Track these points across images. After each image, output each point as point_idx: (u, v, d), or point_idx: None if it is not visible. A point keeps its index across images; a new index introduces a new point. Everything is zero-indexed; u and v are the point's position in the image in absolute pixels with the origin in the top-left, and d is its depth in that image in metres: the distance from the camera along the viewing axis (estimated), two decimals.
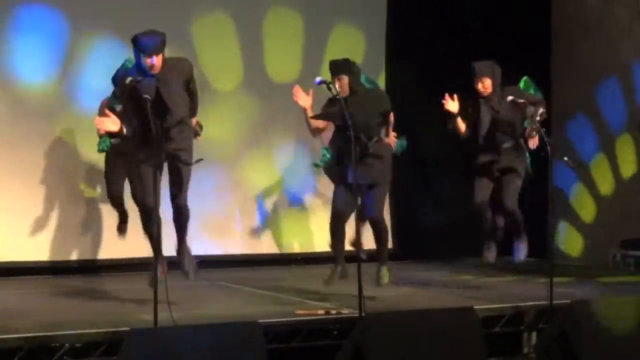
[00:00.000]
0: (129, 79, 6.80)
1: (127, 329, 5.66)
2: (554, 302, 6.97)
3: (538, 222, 8.60)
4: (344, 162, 7.46)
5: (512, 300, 7.52)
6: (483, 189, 7.91)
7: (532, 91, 8.24)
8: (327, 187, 9.07)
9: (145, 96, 6.58)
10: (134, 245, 8.46)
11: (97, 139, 8.16)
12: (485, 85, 7.81)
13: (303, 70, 10.13)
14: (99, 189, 9.36)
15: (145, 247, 7.67)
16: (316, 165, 8.06)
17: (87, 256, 9.54)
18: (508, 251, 8.13)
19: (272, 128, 10.19)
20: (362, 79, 7.65)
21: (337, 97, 7.15)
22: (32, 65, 9.38)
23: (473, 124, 7.89)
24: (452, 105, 7.81)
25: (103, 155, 8.47)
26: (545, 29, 11.50)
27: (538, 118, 7.70)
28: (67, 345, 5.97)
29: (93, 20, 9.62)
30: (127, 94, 6.89)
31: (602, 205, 10.79)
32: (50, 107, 9.43)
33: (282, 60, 10.31)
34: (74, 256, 9.50)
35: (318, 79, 6.88)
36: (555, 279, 7.08)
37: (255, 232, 10.41)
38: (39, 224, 9.36)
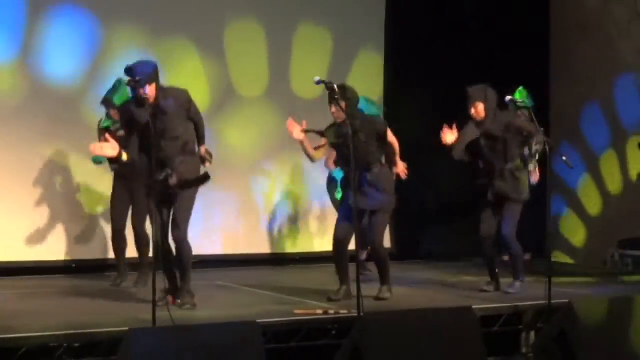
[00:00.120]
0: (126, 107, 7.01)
1: (126, 328, 5.66)
2: (553, 301, 6.97)
3: (537, 222, 8.58)
4: (346, 189, 7.57)
5: (510, 300, 7.52)
6: (488, 222, 7.90)
7: (527, 101, 8.27)
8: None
9: (144, 120, 6.69)
10: (134, 245, 8.48)
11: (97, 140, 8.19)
12: (478, 110, 7.82)
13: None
14: (99, 189, 9.35)
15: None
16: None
17: (87, 256, 9.54)
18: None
19: (285, 136, 10.16)
20: (362, 102, 7.76)
21: (336, 122, 7.40)
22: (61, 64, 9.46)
23: (471, 148, 7.95)
24: (450, 137, 7.81)
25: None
26: (544, 29, 11.51)
27: (533, 151, 7.75)
28: (65, 345, 5.97)
29: (125, 21, 9.76)
30: (125, 123, 7.00)
31: (608, 201, 10.81)
32: (51, 106, 9.43)
33: (307, 75, 10.20)
34: (73, 256, 9.50)
35: (317, 78, 6.90)
36: (554, 279, 7.09)
37: (254, 232, 10.42)
38: (38, 224, 9.36)
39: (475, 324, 6.38)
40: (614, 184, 10.67)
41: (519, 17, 11.10)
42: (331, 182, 9.27)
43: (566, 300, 6.83)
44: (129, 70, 6.82)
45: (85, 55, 9.61)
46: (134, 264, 8.52)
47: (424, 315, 6.59)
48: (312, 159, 7.80)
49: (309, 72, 9.10)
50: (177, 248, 7.08)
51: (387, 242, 10.57)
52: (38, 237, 9.36)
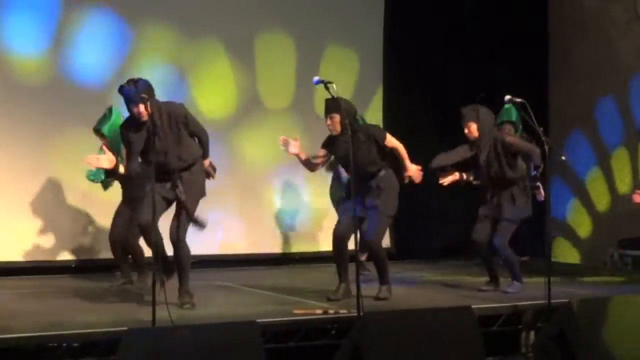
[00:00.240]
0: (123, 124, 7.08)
1: (125, 328, 5.65)
2: (552, 301, 6.97)
3: (536, 221, 8.58)
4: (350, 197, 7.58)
5: (510, 300, 7.52)
6: (482, 231, 7.97)
7: (514, 117, 8.30)
8: (326, 187, 9.09)
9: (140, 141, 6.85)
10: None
11: (97, 141, 8.20)
12: (471, 130, 7.89)
13: None
14: (98, 189, 9.34)
15: (144, 248, 7.70)
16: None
17: (86, 256, 9.54)
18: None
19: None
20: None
21: (333, 134, 7.48)
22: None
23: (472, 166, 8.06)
24: (450, 178, 7.99)
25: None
26: (542, 30, 11.51)
27: (537, 176, 7.83)
28: (64, 345, 5.97)
29: (155, 24, 9.88)
30: (125, 140, 7.05)
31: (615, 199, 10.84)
32: (53, 106, 9.43)
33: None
34: (72, 256, 9.51)
35: (316, 78, 6.89)
36: (553, 279, 7.09)
37: (254, 232, 10.42)
38: (38, 224, 9.36)
39: (474, 323, 6.37)
40: (621, 183, 10.66)
41: (517, 17, 11.11)
42: (334, 181, 9.29)
43: (565, 300, 6.83)
44: (121, 89, 6.89)
45: (114, 55, 9.71)
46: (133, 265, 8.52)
47: (424, 315, 6.59)
48: (311, 170, 7.85)
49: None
50: (174, 248, 7.07)
51: (386, 242, 10.64)
52: (37, 237, 9.37)
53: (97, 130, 8.26)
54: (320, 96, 9.88)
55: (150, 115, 6.80)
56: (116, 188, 8.43)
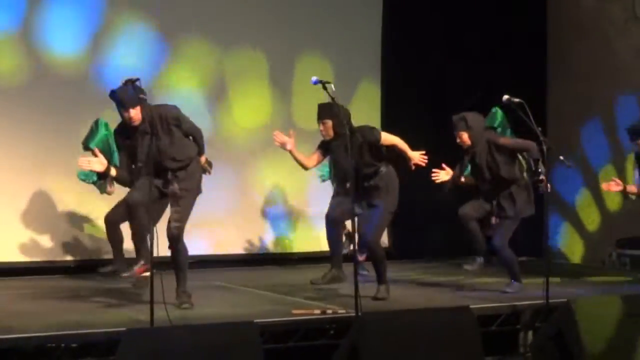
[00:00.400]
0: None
1: (124, 329, 5.66)
2: (550, 301, 6.98)
3: (535, 221, 8.58)
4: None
5: (508, 300, 7.53)
6: (473, 206, 8.00)
7: (496, 123, 8.31)
8: (325, 187, 9.09)
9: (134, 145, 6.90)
10: (132, 245, 8.46)
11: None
12: (463, 139, 7.94)
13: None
14: (98, 189, 9.35)
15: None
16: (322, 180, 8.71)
17: (84, 256, 9.54)
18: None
19: None
20: None
21: (326, 139, 7.55)
22: None
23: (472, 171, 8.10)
24: (443, 176, 8.01)
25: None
26: (541, 30, 11.52)
27: (540, 170, 7.82)
28: (63, 345, 5.97)
29: (186, 33, 10.03)
30: (119, 144, 7.14)
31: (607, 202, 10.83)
32: (53, 107, 9.43)
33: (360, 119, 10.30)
34: (71, 257, 9.50)
35: (314, 78, 6.88)
36: (552, 279, 7.10)
37: (252, 232, 10.42)
38: (36, 224, 9.35)
39: (473, 323, 6.38)
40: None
41: (516, 18, 11.11)
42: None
43: (564, 300, 6.83)
44: (112, 94, 6.91)
45: (148, 65, 9.76)
46: (132, 265, 8.50)
47: (422, 314, 6.60)
48: (305, 167, 7.86)
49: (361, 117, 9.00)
50: (172, 248, 7.08)
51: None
52: (36, 237, 9.36)
53: (84, 145, 8.28)
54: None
55: (143, 120, 6.85)
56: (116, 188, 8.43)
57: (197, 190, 7.25)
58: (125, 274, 7.09)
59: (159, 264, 6.89)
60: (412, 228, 10.75)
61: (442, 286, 8.55)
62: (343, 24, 10.74)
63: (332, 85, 6.87)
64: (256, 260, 10.28)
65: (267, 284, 8.66)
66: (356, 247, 6.60)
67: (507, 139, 8.04)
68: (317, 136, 7.80)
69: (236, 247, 10.29)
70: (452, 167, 8.11)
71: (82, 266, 9.40)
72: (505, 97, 7.62)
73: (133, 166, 7.16)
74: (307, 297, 7.71)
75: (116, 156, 7.61)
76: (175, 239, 7.05)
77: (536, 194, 8.02)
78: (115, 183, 7.91)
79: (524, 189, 7.98)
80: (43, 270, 9.23)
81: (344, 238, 8.09)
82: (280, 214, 10.56)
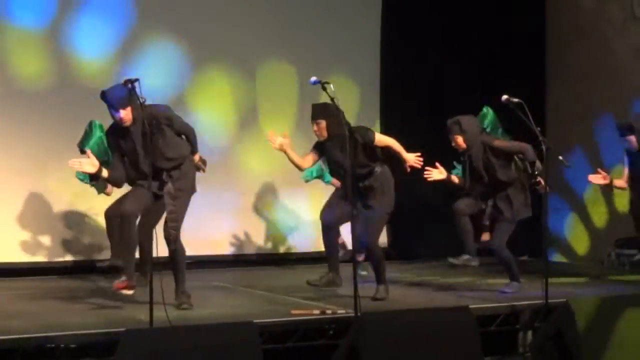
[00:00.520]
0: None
1: (123, 329, 5.65)
2: (550, 301, 6.98)
3: (534, 222, 8.60)
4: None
5: (507, 300, 7.53)
6: (467, 202, 8.03)
7: (484, 124, 8.32)
8: (323, 187, 9.09)
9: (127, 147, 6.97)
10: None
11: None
12: (458, 143, 7.96)
13: None
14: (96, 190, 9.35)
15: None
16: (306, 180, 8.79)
17: (83, 257, 9.53)
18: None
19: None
20: None
21: (320, 140, 7.53)
22: None
23: (466, 176, 8.11)
24: (437, 174, 7.99)
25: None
26: (539, 30, 11.52)
27: (536, 173, 7.87)
28: (62, 346, 5.96)
29: (211, 55, 10.15)
30: (112, 145, 7.12)
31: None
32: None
33: (359, 120, 10.14)
34: (70, 257, 9.50)
35: (313, 78, 6.88)
36: (551, 279, 7.10)
37: (252, 233, 10.42)
38: (35, 225, 9.35)
39: (472, 323, 6.38)
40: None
41: (515, 18, 11.11)
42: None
43: (563, 300, 6.83)
44: (103, 95, 6.93)
45: (171, 81, 9.90)
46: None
47: (421, 315, 6.60)
48: (300, 168, 7.85)
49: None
50: (169, 248, 7.08)
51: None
52: (35, 238, 9.36)
53: (78, 147, 8.26)
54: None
55: (134, 120, 6.87)
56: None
57: (192, 190, 7.25)
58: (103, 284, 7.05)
59: (158, 265, 6.93)
60: (411, 228, 10.76)
61: (441, 286, 8.55)
62: (342, 24, 10.74)
63: (332, 86, 6.87)
64: (255, 260, 10.28)
65: (266, 284, 8.66)
66: (350, 247, 6.60)
67: (503, 142, 8.05)
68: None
69: (235, 248, 10.29)
70: (447, 167, 8.11)
71: (81, 266, 9.40)
72: (504, 97, 7.62)
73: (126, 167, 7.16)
74: (306, 297, 7.71)
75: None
76: (173, 240, 7.04)
77: (533, 196, 8.04)
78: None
79: (521, 191, 7.99)
80: (42, 270, 9.23)
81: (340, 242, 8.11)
82: (279, 214, 10.56)
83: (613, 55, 10.72)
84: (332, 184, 9.02)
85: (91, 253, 9.54)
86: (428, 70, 10.83)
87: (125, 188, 7.45)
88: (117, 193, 7.77)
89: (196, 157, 7.37)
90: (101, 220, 9.15)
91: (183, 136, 7.23)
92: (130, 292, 7.03)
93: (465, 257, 7.96)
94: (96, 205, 9.36)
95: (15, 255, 9.21)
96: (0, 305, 7.43)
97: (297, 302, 7.56)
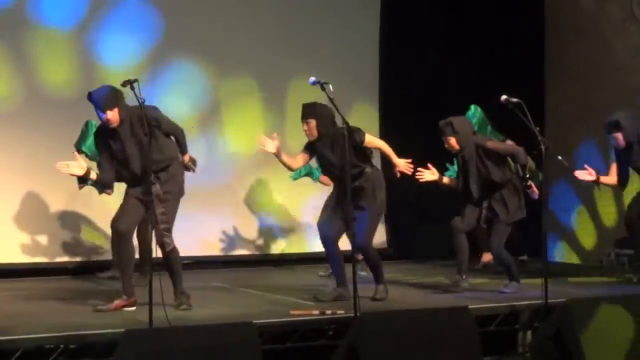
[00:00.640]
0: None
1: (122, 330, 5.66)
2: (549, 301, 6.98)
3: (533, 222, 8.60)
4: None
5: (507, 300, 7.53)
6: (464, 218, 8.06)
7: (477, 116, 8.29)
8: (322, 188, 9.09)
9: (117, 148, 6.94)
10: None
11: None
12: (451, 144, 7.99)
13: None
14: (96, 190, 9.35)
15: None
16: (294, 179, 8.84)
17: (83, 258, 9.54)
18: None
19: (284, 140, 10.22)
20: None
21: (311, 141, 7.52)
22: None
23: (459, 177, 8.14)
24: (429, 175, 8.01)
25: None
26: (538, 30, 11.51)
27: (527, 175, 7.93)
28: (62, 346, 5.96)
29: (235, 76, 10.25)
30: (100, 146, 7.12)
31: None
32: (53, 110, 9.43)
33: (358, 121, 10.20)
34: (69, 258, 9.50)
35: (312, 78, 6.88)
36: (550, 279, 7.11)
37: (251, 233, 10.42)
38: (35, 225, 9.35)
39: (471, 323, 6.38)
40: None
41: (513, 18, 11.11)
42: None
43: (562, 300, 6.83)
44: (89, 96, 6.91)
45: (193, 109, 10.00)
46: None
47: (421, 315, 6.59)
48: (290, 169, 7.84)
49: None
50: (162, 251, 7.03)
51: (383, 242, 10.65)
52: (34, 238, 9.36)
53: (75, 147, 8.26)
54: None
55: (121, 122, 6.86)
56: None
57: (180, 193, 7.18)
58: (101, 307, 7.02)
59: (158, 265, 6.93)
60: (410, 229, 10.76)
61: (441, 286, 8.53)
62: (341, 25, 10.74)
63: (331, 86, 6.86)
64: (254, 261, 10.28)
65: (266, 284, 8.66)
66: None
67: (495, 143, 8.07)
68: None
69: (234, 249, 10.29)
70: (445, 168, 8.12)
71: (80, 267, 9.41)
72: (504, 97, 7.61)
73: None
74: (305, 297, 7.71)
75: None
76: (165, 242, 7.02)
77: (526, 198, 8.07)
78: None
79: (514, 193, 8.02)
80: (41, 271, 9.22)
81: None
82: (278, 215, 10.56)
83: (612, 55, 10.71)
84: (321, 182, 9.03)
85: (91, 254, 9.55)
86: (427, 71, 10.83)
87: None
88: (117, 193, 7.79)
89: (186, 157, 7.35)
90: (100, 221, 9.23)
91: (172, 137, 7.19)
92: (132, 308, 7.01)
93: (457, 277, 8.02)
94: (96, 206, 9.40)
95: (14, 256, 9.21)
96: (0, 306, 7.43)
97: (296, 302, 7.55)
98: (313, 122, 7.48)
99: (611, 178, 8.54)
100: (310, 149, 7.64)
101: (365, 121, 10.22)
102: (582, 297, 7.48)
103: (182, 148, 7.28)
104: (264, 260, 10.36)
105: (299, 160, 7.70)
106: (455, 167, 8.33)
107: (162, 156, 7.03)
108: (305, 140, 7.64)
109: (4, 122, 9.28)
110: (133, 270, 7.18)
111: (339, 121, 6.89)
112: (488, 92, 8.40)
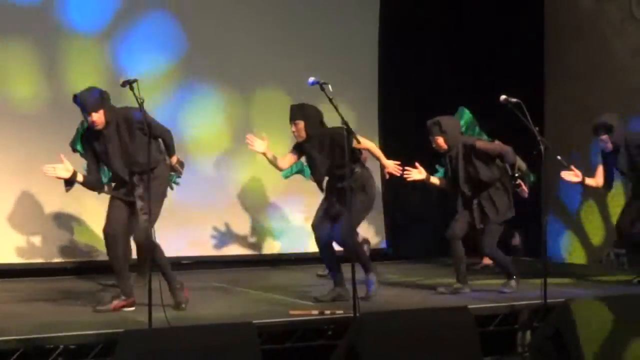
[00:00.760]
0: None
1: (122, 330, 5.65)
2: (548, 301, 6.98)
3: (532, 222, 8.63)
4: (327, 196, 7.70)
5: (506, 300, 7.53)
6: (460, 222, 8.06)
7: (465, 118, 8.30)
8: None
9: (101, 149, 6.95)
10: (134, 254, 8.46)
11: None
12: (439, 144, 7.99)
13: None
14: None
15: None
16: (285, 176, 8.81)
17: (82, 258, 9.53)
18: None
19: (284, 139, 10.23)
20: None
21: (299, 142, 7.53)
22: None
23: (448, 177, 8.14)
24: (416, 175, 8.00)
25: None
26: (538, 30, 11.52)
27: (517, 174, 7.92)
28: (61, 346, 5.97)
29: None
30: (86, 148, 7.13)
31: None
32: (53, 110, 9.42)
33: (357, 122, 10.18)
34: (68, 258, 9.49)
35: (312, 79, 6.87)
36: (549, 279, 7.10)
37: (250, 233, 10.42)
38: (33, 226, 9.35)
39: (471, 323, 6.38)
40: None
41: (513, 18, 11.10)
42: None
43: (562, 300, 6.83)
44: (75, 98, 6.90)
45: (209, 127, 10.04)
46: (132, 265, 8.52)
47: (420, 315, 6.59)
48: (279, 169, 7.83)
49: None
50: (147, 252, 6.89)
51: (383, 242, 10.66)
52: (33, 239, 9.36)
53: (71, 147, 8.26)
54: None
55: (107, 124, 6.85)
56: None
57: (163, 195, 7.15)
58: (100, 307, 7.01)
59: (157, 265, 6.93)
60: (409, 229, 10.75)
61: (440, 286, 8.52)
62: (340, 27, 10.74)
63: (330, 86, 6.86)
64: (253, 261, 10.28)
65: (265, 284, 8.66)
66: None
67: (484, 143, 8.07)
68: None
69: (234, 249, 10.28)
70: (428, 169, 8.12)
71: (78, 267, 9.40)
72: (503, 97, 7.61)
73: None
74: (304, 297, 7.71)
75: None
76: (147, 243, 6.95)
77: (516, 198, 8.07)
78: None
79: (504, 192, 8.03)
80: (40, 271, 9.22)
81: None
82: (276, 215, 10.55)
83: (612, 55, 10.71)
84: (312, 179, 9.01)
85: (88, 254, 9.54)
86: (426, 71, 10.83)
87: None
88: None
89: (174, 159, 7.32)
90: (96, 222, 9.20)
91: (160, 139, 7.15)
92: (131, 308, 7.00)
93: (456, 285, 8.01)
94: (94, 206, 9.38)
95: (11, 256, 9.21)
96: None
97: (295, 302, 7.55)
98: (301, 124, 7.48)
99: (597, 180, 8.53)
100: (299, 149, 7.65)
101: (365, 121, 10.25)
102: (581, 297, 7.49)
103: (170, 150, 7.23)
104: (263, 260, 10.36)
105: (286, 160, 7.71)
106: (444, 167, 8.30)
107: (145, 158, 6.98)
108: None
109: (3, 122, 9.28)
110: (128, 270, 7.17)
111: (338, 122, 6.87)
112: (487, 92, 8.40)
